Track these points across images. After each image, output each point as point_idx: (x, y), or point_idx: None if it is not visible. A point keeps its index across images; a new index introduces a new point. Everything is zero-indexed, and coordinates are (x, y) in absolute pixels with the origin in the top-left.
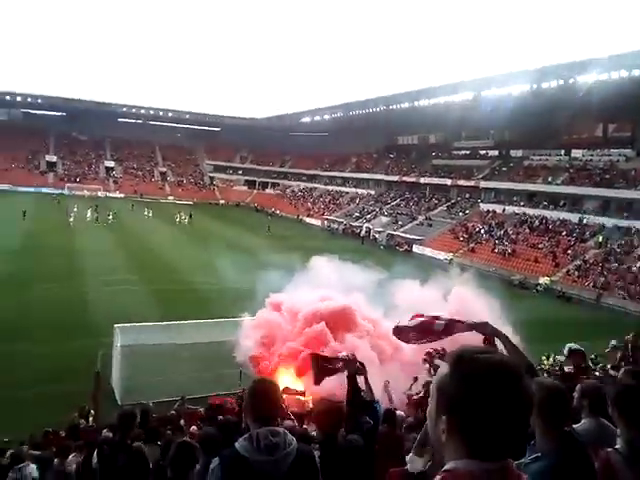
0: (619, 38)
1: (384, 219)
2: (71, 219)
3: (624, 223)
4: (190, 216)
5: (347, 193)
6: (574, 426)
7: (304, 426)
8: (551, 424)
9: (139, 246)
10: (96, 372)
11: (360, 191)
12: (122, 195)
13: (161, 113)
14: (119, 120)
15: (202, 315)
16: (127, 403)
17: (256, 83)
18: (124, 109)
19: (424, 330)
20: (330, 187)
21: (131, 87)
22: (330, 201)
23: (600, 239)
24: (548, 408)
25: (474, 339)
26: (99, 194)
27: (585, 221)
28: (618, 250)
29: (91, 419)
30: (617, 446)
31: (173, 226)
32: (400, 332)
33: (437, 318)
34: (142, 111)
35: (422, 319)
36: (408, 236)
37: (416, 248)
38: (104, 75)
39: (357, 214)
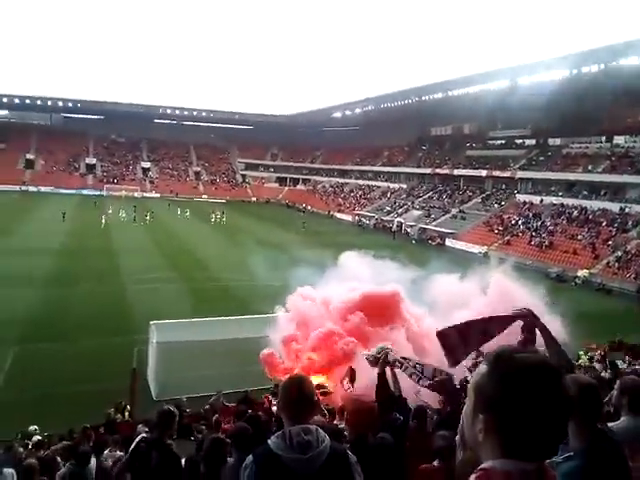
0: None
1: (416, 213)
2: (103, 220)
3: None
4: (222, 214)
5: (378, 187)
6: (612, 424)
7: (335, 422)
8: (583, 422)
9: (174, 245)
10: (133, 368)
11: (392, 185)
12: (158, 195)
13: (195, 113)
14: (155, 121)
15: (237, 312)
16: (162, 399)
17: (287, 80)
18: (159, 110)
19: (468, 338)
20: (361, 182)
21: (166, 89)
22: (361, 196)
23: None
24: (580, 405)
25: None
26: (136, 194)
27: (627, 210)
28: None
29: (127, 414)
30: None
31: (208, 224)
32: (446, 338)
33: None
34: (177, 112)
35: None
36: (441, 230)
37: (449, 242)
38: (140, 77)
39: (388, 208)
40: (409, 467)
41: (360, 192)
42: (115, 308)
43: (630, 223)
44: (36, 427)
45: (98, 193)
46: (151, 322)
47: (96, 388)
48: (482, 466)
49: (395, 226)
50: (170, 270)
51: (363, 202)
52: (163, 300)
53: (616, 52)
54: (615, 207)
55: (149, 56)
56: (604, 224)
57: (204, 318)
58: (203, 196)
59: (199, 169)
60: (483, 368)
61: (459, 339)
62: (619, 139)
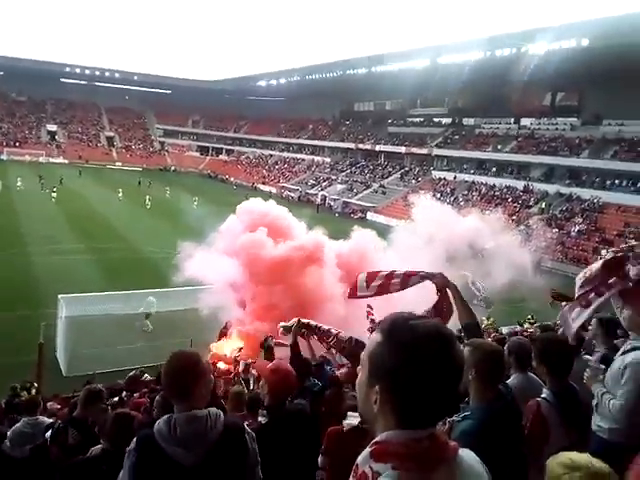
0: (572, 7)
1: (339, 187)
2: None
3: (566, 190)
4: (139, 183)
5: (303, 160)
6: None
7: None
8: (486, 384)
9: (84, 214)
10: (39, 343)
11: (316, 158)
12: (66, 161)
13: (107, 74)
14: (62, 80)
15: (151, 285)
16: (72, 374)
17: (210, 44)
18: (67, 69)
19: (382, 290)
20: (286, 154)
21: (75, 46)
22: (286, 168)
23: (543, 205)
24: (484, 369)
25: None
26: (41, 159)
27: (530, 188)
28: (559, 216)
29: (34, 391)
30: (544, 395)
31: (121, 194)
32: (355, 295)
33: (392, 276)
34: (87, 71)
35: (378, 282)
36: (363, 203)
37: (370, 215)
38: (46, 33)
39: (313, 181)
40: (323, 432)
41: (285, 165)
42: (19, 280)
43: (532, 200)
44: None
45: None
46: (59, 295)
47: None
48: (376, 439)
49: (319, 199)
50: (79, 241)
51: (288, 175)
52: (73, 273)
53: (526, 37)
54: (520, 185)
55: (57, 9)
56: (510, 200)
57: (116, 292)
58: (117, 163)
59: (112, 134)
60: (378, 336)
61: (372, 280)
62: (526, 121)
